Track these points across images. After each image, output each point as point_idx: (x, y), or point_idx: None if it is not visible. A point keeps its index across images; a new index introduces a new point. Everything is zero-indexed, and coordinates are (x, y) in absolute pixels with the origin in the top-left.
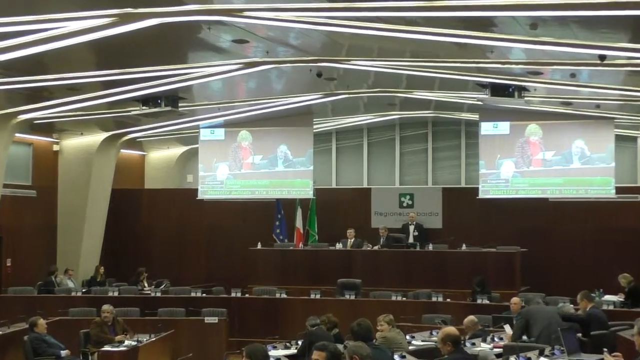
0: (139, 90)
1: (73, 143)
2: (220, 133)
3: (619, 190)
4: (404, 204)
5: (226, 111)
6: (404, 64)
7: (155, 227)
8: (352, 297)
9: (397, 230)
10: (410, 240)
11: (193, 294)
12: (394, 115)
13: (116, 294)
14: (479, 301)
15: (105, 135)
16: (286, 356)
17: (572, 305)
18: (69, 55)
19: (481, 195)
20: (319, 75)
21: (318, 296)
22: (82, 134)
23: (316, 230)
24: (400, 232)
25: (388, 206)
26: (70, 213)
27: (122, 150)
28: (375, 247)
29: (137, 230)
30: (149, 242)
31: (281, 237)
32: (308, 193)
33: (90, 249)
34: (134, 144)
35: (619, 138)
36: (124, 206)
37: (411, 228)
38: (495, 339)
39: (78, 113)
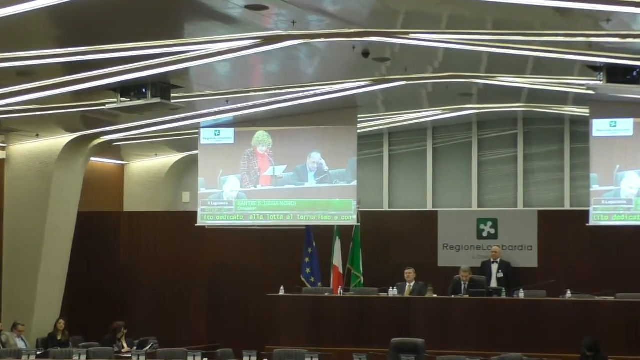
0: (116, 76)
1: (25, 148)
2: (228, 135)
3: None
4: (484, 234)
5: (237, 104)
6: (485, 37)
7: (138, 266)
8: None
9: (475, 270)
10: (493, 284)
11: (190, 359)
12: (470, 109)
13: (84, 357)
14: None
15: (69, 137)
16: None
17: None
18: (19, 26)
19: (592, 222)
20: (366, 54)
21: None
22: (37, 135)
23: (361, 269)
24: (479, 272)
25: (462, 237)
26: (20, 246)
27: (92, 159)
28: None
29: (112, 269)
30: (130, 286)
31: (312, 279)
32: (350, 218)
33: (47, 296)
34: (109, 149)
35: None
36: (96, 236)
37: (494, 267)
38: None
39: (31, 107)
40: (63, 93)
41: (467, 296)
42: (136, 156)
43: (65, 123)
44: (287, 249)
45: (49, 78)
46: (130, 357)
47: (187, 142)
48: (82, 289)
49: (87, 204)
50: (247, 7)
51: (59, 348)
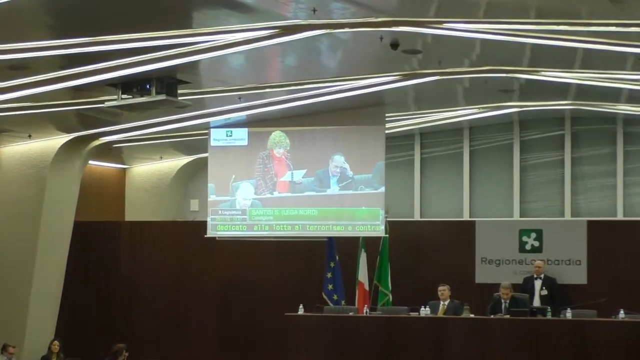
0: (117, 70)
1: (16, 151)
2: (241, 136)
3: None
4: (527, 247)
5: (251, 102)
6: (527, 27)
7: (140, 281)
8: None
9: (516, 287)
10: (536, 302)
11: None
12: (511, 107)
13: None
14: None
15: (64, 138)
16: None
17: None
18: (9, 15)
19: None
20: (395, 46)
21: None
22: (29, 136)
23: (389, 286)
24: (521, 290)
25: (502, 250)
26: (10, 259)
27: (90, 163)
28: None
29: (113, 285)
30: (132, 303)
31: (335, 297)
32: (377, 229)
33: (41, 315)
34: (108, 152)
35: None
36: (94, 249)
37: (537, 284)
38: None
39: (23, 105)
40: (58, 89)
41: (507, 316)
42: (139, 159)
43: (60, 122)
44: (307, 264)
45: (43, 72)
46: None
47: (195, 143)
48: (79, 306)
49: (84, 212)
50: None
51: None
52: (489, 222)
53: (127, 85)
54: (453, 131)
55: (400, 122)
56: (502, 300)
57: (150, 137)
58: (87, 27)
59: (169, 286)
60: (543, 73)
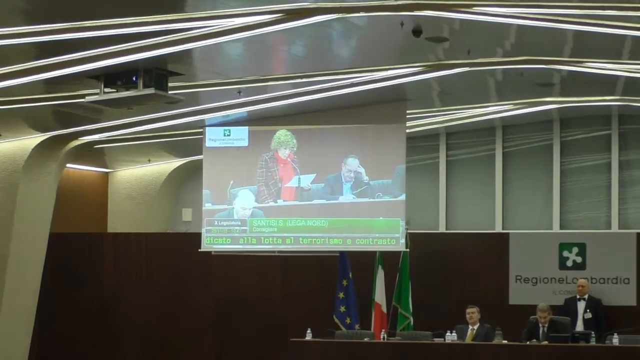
0: (99, 60)
1: None
2: (241, 135)
3: None
4: (569, 263)
5: (253, 96)
6: (570, 12)
7: (126, 302)
8: None
9: (556, 310)
10: (580, 327)
11: None
12: (551, 104)
13: None
14: None
15: (39, 138)
16: None
17: None
18: None
19: None
20: (418, 33)
21: None
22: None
23: (410, 308)
24: (562, 312)
25: (539, 267)
26: None
27: (68, 166)
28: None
29: (94, 306)
30: (116, 327)
31: (348, 320)
32: (397, 242)
33: (11, 339)
34: (89, 154)
35: None
36: (72, 264)
37: (580, 306)
38: None
39: None
40: (32, 82)
41: (546, 342)
42: (124, 162)
43: (34, 120)
44: (316, 282)
45: (15, 63)
46: None
47: (188, 144)
48: (56, 330)
49: (61, 223)
50: None
51: None
52: (525, 234)
53: (111, 77)
54: (484, 130)
55: (424, 120)
56: (540, 325)
57: (137, 137)
58: (65, 11)
59: (159, 308)
60: (587, 64)
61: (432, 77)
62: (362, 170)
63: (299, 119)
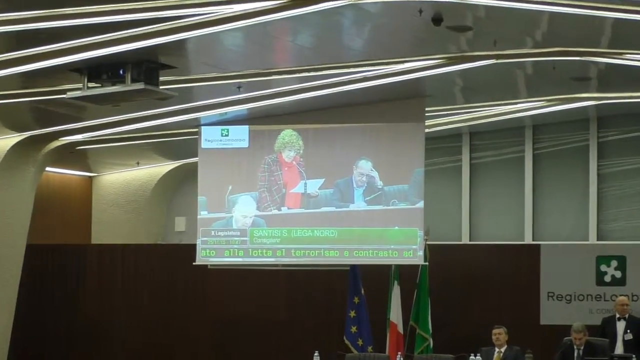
0: (82, 52)
1: None
2: (241, 135)
3: None
4: (607, 279)
5: (254, 92)
6: None
7: (112, 320)
8: None
9: (592, 331)
10: (619, 349)
11: None
12: (587, 100)
13: None
14: None
15: (16, 138)
16: None
17: None
18: None
19: None
20: (438, 21)
21: None
22: None
23: (430, 328)
24: (600, 334)
25: (574, 282)
26: None
27: (48, 169)
28: None
29: (76, 324)
30: (100, 348)
31: (360, 342)
32: (414, 255)
33: None
34: (71, 156)
35: None
36: (52, 279)
37: (620, 326)
38: None
39: None
40: (8, 75)
41: None
42: (109, 166)
43: (10, 118)
44: (324, 299)
45: None
46: None
47: (182, 145)
48: (34, 349)
49: (40, 233)
50: None
51: None
52: (558, 246)
53: (95, 70)
54: (512, 130)
55: (445, 119)
56: (575, 347)
57: (124, 137)
58: None
59: (149, 330)
60: (627, 56)
61: (454, 71)
62: (375, 174)
63: (306, 118)
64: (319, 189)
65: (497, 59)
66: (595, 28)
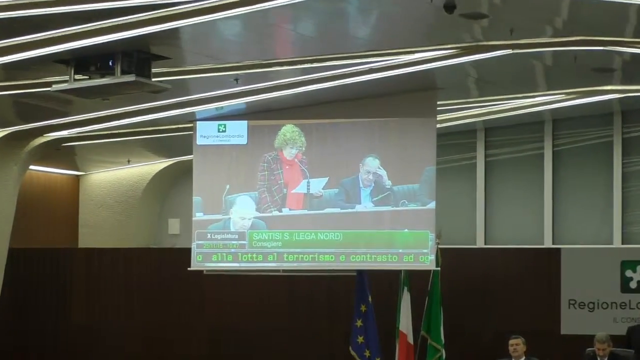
0: (69, 41)
1: None
2: (239, 131)
3: None
4: (632, 285)
5: (252, 85)
6: None
7: (100, 329)
8: None
9: (617, 341)
10: None
11: None
12: (611, 93)
13: None
14: None
15: None
16: None
17: None
18: None
19: None
20: (450, 8)
21: None
22: None
23: (442, 338)
24: (626, 344)
25: (597, 288)
26: None
27: (32, 168)
28: None
29: (62, 334)
30: (88, 358)
31: (367, 353)
32: (425, 259)
33: None
34: (56, 153)
35: None
36: (36, 285)
37: None
38: None
39: None
40: None
41: None
42: (98, 164)
43: None
44: (329, 307)
45: None
46: None
47: (175, 142)
48: (17, 358)
49: (23, 235)
50: None
51: None
52: (580, 250)
53: (83, 62)
54: (530, 125)
55: (458, 113)
56: (598, 358)
57: (114, 134)
58: None
59: (141, 339)
60: None
61: (468, 62)
62: (383, 172)
63: (308, 112)
64: (323, 188)
65: (513, 48)
66: (619, 15)
